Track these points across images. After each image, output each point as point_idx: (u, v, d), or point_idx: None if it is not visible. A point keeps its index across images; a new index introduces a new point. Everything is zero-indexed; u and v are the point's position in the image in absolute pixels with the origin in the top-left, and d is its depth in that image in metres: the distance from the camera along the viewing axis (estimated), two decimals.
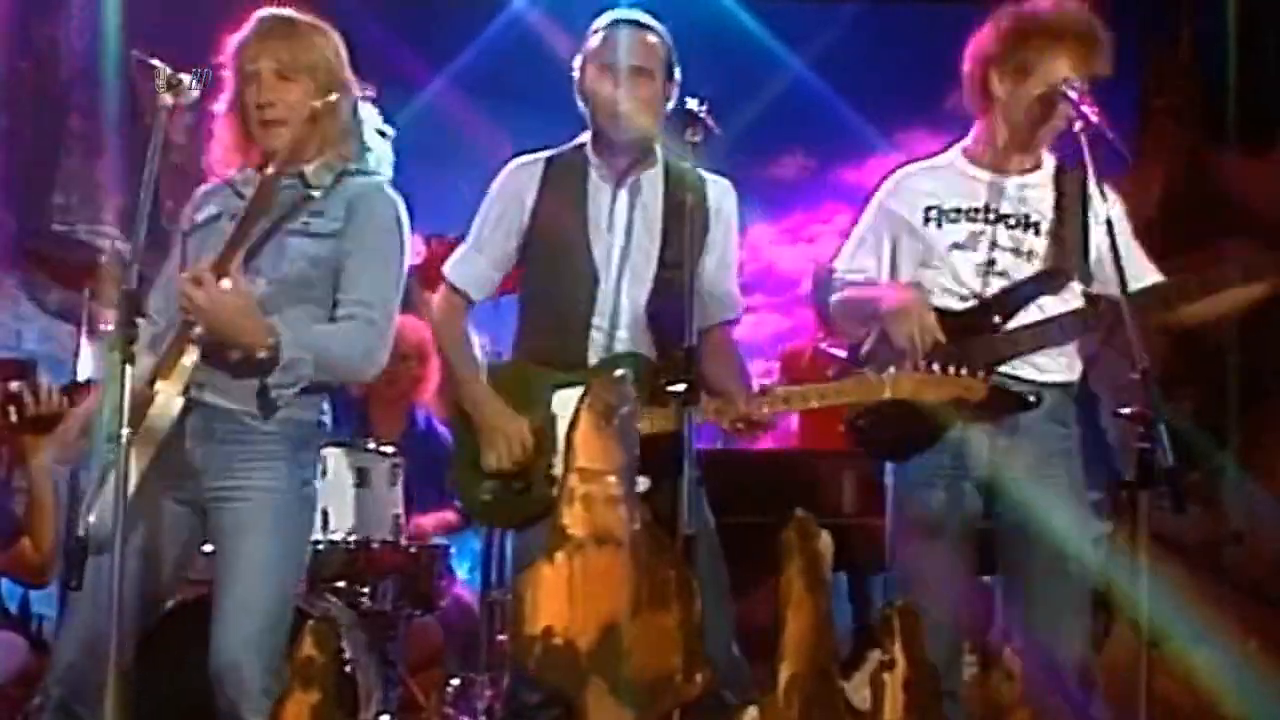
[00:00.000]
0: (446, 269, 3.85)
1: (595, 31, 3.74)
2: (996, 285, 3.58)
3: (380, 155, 3.52)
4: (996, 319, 3.56)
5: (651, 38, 3.71)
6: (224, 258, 3.18)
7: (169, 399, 3.21)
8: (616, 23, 3.72)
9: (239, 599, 3.24)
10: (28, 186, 6.97)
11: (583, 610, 2.89)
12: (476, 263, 3.81)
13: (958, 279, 3.60)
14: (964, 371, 3.40)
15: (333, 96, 3.34)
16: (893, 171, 3.78)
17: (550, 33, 7.11)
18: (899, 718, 2.92)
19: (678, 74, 3.73)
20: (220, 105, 3.45)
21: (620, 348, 3.66)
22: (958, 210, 3.63)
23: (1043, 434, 3.55)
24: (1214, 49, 6.47)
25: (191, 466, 3.29)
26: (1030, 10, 3.58)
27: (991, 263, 3.59)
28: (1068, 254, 3.57)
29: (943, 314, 3.52)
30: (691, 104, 3.44)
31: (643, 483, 3.22)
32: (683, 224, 3.52)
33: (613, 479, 2.94)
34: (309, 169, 3.35)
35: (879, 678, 2.94)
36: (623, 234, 3.70)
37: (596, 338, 3.67)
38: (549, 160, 3.79)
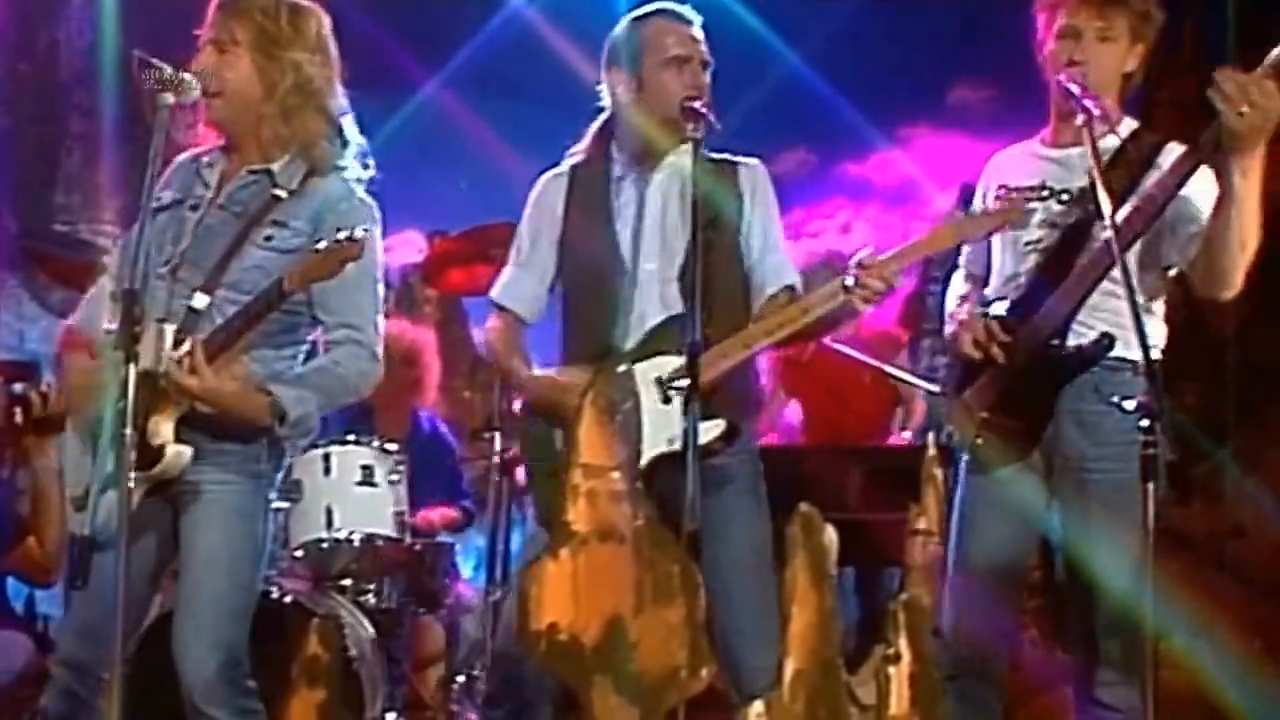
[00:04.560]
0: (494, 293, 3.83)
1: (643, 20, 3.71)
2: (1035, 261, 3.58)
3: (361, 149, 3.49)
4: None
5: (699, 29, 3.70)
6: (219, 349, 3.18)
7: (178, 450, 3.23)
8: (668, 14, 3.70)
9: (195, 594, 3.28)
10: (29, 187, 6.98)
11: (587, 606, 2.88)
12: (522, 281, 3.79)
13: (1005, 258, 3.62)
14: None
15: (288, 78, 3.34)
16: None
17: (549, 30, 7.12)
18: (904, 711, 2.92)
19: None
20: None
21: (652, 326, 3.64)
22: (1019, 188, 3.61)
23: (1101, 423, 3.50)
24: (1216, 43, 6.47)
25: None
26: None
27: (1039, 240, 3.58)
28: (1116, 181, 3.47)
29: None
30: (694, 100, 3.46)
31: (718, 425, 3.38)
32: (716, 205, 3.58)
33: (616, 474, 2.93)
34: (276, 166, 3.36)
35: (884, 671, 2.94)
36: (653, 221, 3.68)
37: (631, 324, 3.64)
38: (573, 168, 3.80)
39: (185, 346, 3.18)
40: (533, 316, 3.80)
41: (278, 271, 3.26)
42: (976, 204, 3.71)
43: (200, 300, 3.26)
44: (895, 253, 3.48)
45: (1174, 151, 3.48)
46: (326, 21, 3.48)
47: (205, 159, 3.44)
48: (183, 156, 3.50)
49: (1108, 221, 3.29)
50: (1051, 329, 3.51)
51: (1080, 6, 3.54)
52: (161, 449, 3.21)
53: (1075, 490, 3.50)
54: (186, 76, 3.26)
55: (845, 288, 3.44)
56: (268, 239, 3.32)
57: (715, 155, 3.69)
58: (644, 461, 3.18)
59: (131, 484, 3.00)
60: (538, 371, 3.75)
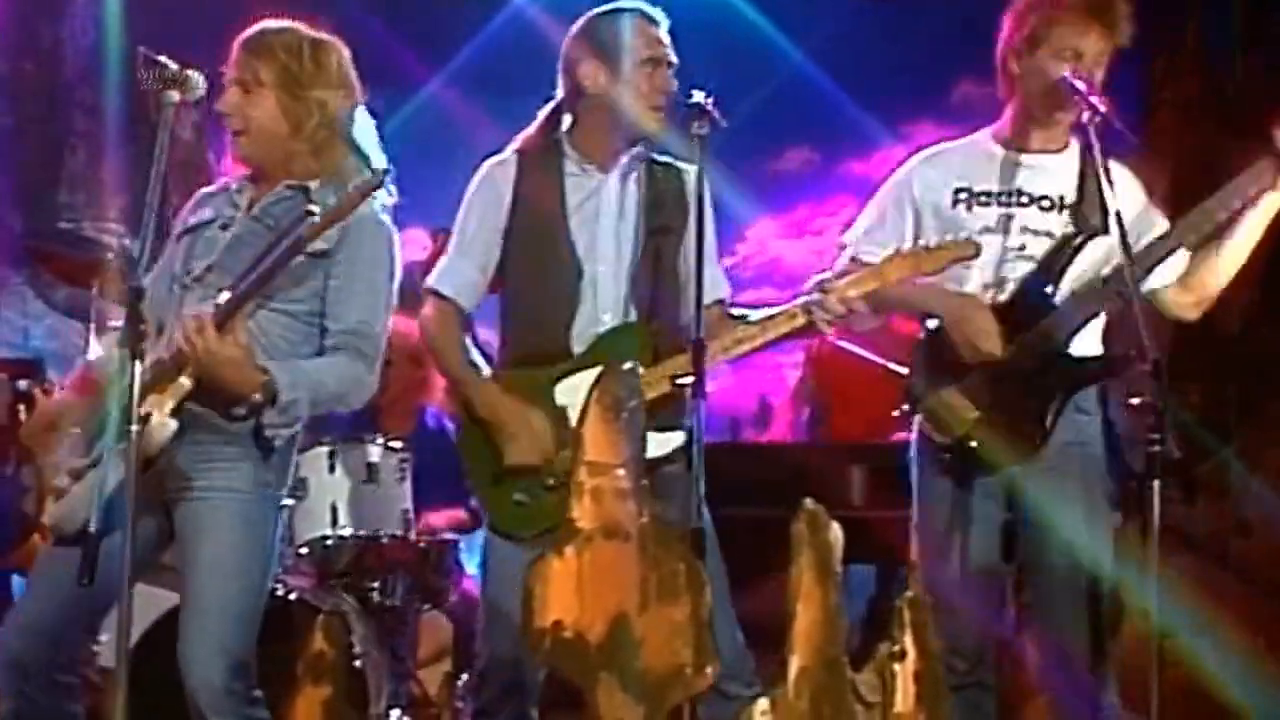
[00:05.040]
0: (431, 280, 3.77)
1: (611, 16, 3.69)
2: (1023, 269, 3.58)
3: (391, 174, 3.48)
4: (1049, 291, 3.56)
5: (665, 32, 3.69)
6: (229, 310, 3.17)
7: (162, 421, 3.19)
8: (651, 17, 3.69)
9: (201, 600, 3.25)
10: (33, 185, 6.98)
11: (592, 603, 2.89)
12: (462, 269, 3.73)
13: (985, 264, 3.60)
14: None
15: (314, 116, 3.36)
16: (917, 150, 3.78)
17: (551, 28, 7.11)
18: (909, 708, 2.92)
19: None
20: None
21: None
22: (988, 194, 3.64)
23: (1063, 424, 3.55)
24: (1221, 41, 6.47)
25: (156, 465, 3.25)
26: None
27: (1022, 247, 3.60)
28: (1089, 214, 3.57)
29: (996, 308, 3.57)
30: (697, 97, 3.42)
31: (674, 438, 3.35)
32: (665, 211, 3.57)
33: (621, 472, 2.94)
34: (314, 184, 3.37)
35: (888, 668, 2.94)
36: (609, 221, 3.65)
37: (583, 326, 3.61)
38: (520, 153, 3.74)
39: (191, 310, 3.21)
40: (471, 306, 3.75)
41: (309, 278, 3.30)
42: (943, 203, 3.67)
43: (225, 298, 3.23)
44: (852, 279, 3.47)
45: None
46: (347, 54, 3.50)
47: (235, 185, 3.46)
48: (212, 187, 3.54)
49: (1114, 227, 3.31)
50: (1064, 336, 3.51)
51: (1089, 30, 3.55)
52: (146, 419, 3.15)
53: (1050, 484, 3.52)
54: (190, 73, 3.27)
55: (805, 309, 3.44)
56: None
57: (662, 158, 3.68)
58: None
59: (133, 434, 3.00)
60: (484, 375, 3.70)
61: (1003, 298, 3.60)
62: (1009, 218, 3.59)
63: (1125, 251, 3.33)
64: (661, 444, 3.35)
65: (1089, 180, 3.58)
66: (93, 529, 3.02)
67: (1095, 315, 3.55)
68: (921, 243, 3.55)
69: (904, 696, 2.94)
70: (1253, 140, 3.57)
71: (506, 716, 3.60)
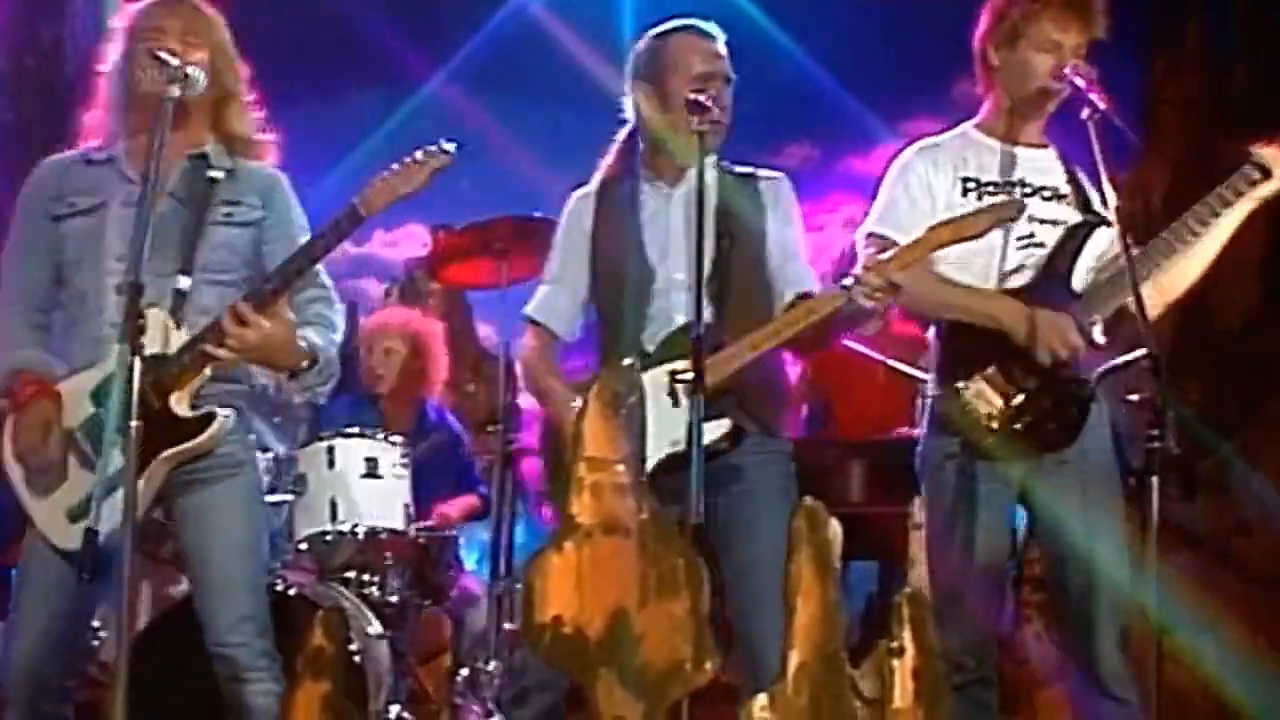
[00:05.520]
0: (528, 310, 3.86)
1: (666, 36, 3.73)
2: (1035, 257, 3.60)
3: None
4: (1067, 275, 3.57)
5: (723, 45, 3.74)
6: (267, 296, 3.30)
7: (222, 413, 3.35)
8: (707, 32, 3.73)
9: (226, 572, 3.38)
10: None
11: (592, 599, 2.89)
12: (556, 297, 3.83)
13: (996, 252, 3.62)
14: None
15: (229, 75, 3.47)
16: (913, 140, 3.79)
17: (553, 25, 7.13)
18: (908, 705, 2.92)
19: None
20: (107, 70, 3.50)
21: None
22: (995, 183, 3.66)
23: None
24: (1222, 39, 6.47)
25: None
26: None
27: (1031, 235, 3.61)
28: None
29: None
30: (698, 95, 3.46)
31: (722, 426, 3.46)
32: (736, 218, 3.66)
33: (620, 467, 2.94)
34: (209, 149, 3.47)
35: (887, 665, 2.94)
36: (679, 231, 3.71)
37: (656, 328, 3.67)
38: (602, 184, 3.84)
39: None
40: (567, 333, 3.83)
41: (245, 247, 3.44)
42: (954, 194, 3.68)
43: (184, 282, 3.34)
44: (895, 252, 3.48)
45: None
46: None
47: (104, 155, 3.48)
48: (62, 160, 3.55)
49: (1113, 218, 3.32)
50: (1092, 323, 3.51)
51: (1063, 18, 3.58)
52: (202, 420, 3.31)
53: (1068, 481, 3.52)
54: (191, 70, 3.28)
55: (844, 287, 3.45)
56: (227, 215, 3.44)
57: (739, 169, 3.77)
58: (651, 464, 3.19)
59: (133, 430, 3.01)
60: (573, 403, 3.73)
61: (1018, 283, 3.61)
62: (1021, 206, 3.60)
63: (1125, 248, 3.32)
64: (709, 431, 3.36)
65: (1074, 176, 3.64)
66: (93, 526, 3.04)
67: (1121, 301, 3.53)
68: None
69: (903, 693, 2.94)
70: (1252, 134, 3.57)
71: (538, 706, 3.61)
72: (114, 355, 3.19)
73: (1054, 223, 3.63)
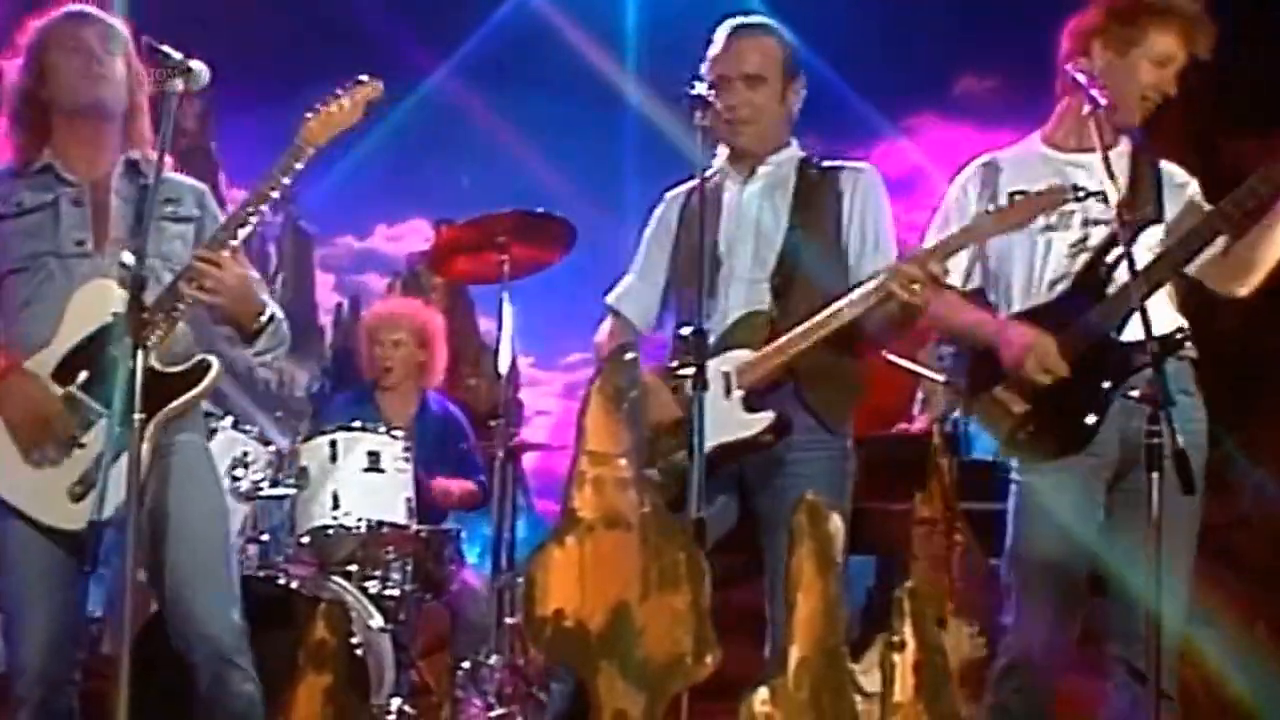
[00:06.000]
0: (611, 299, 3.93)
1: (721, 36, 3.81)
2: (1081, 261, 3.57)
3: None
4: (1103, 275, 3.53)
5: (767, 40, 3.80)
6: (221, 242, 3.33)
7: (215, 362, 3.38)
8: (733, 30, 3.80)
9: (203, 552, 3.36)
10: None
11: (593, 592, 2.90)
12: (638, 290, 3.91)
13: (1048, 259, 3.60)
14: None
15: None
16: (969, 160, 3.78)
17: (556, 19, 7.12)
18: (909, 699, 2.93)
19: (801, 74, 3.84)
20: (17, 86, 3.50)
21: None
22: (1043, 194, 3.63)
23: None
24: (1223, 34, 6.45)
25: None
26: None
27: (1084, 239, 3.58)
28: (1141, 205, 3.57)
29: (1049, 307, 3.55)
30: (700, 88, 3.47)
31: (764, 419, 3.49)
32: (811, 211, 3.69)
33: (623, 462, 2.95)
34: (139, 158, 3.51)
35: (888, 659, 2.95)
36: (747, 225, 3.75)
37: (720, 318, 3.69)
38: (703, 177, 3.81)
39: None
40: (644, 325, 3.90)
41: (192, 241, 3.48)
42: (968, 208, 3.67)
43: (128, 257, 3.30)
44: (934, 244, 3.50)
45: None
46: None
47: (29, 169, 3.47)
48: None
49: (1114, 212, 3.31)
50: (1110, 326, 3.49)
51: (1189, 41, 3.59)
52: (195, 371, 3.34)
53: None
54: (194, 64, 3.29)
55: (881, 281, 3.46)
56: (173, 211, 3.49)
57: (826, 163, 3.81)
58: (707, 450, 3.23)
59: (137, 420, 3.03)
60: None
61: (1054, 295, 3.60)
62: (1069, 213, 3.59)
63: (1126, 249, 3.31)
64: (748, 424, 3.46)
65: (1141, 168, 3.61)
66: (95, 517, 3.03)
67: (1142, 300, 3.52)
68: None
69: (903, 687, 2.94)
70: (1253, 133, 3.57)
71: (569, 689, 3.61)
72: (65, 333, 3.31)
73: (1107, 223, 3.55)
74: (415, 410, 5.41)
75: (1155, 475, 3.11)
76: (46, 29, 3.48)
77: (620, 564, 2.90)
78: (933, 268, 3.43)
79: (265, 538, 4.71)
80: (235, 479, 4.54)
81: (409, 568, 4.75)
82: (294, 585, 4.35)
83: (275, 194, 3.40)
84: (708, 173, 3.81)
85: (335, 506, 4.61)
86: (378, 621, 4.50)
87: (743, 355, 3.60)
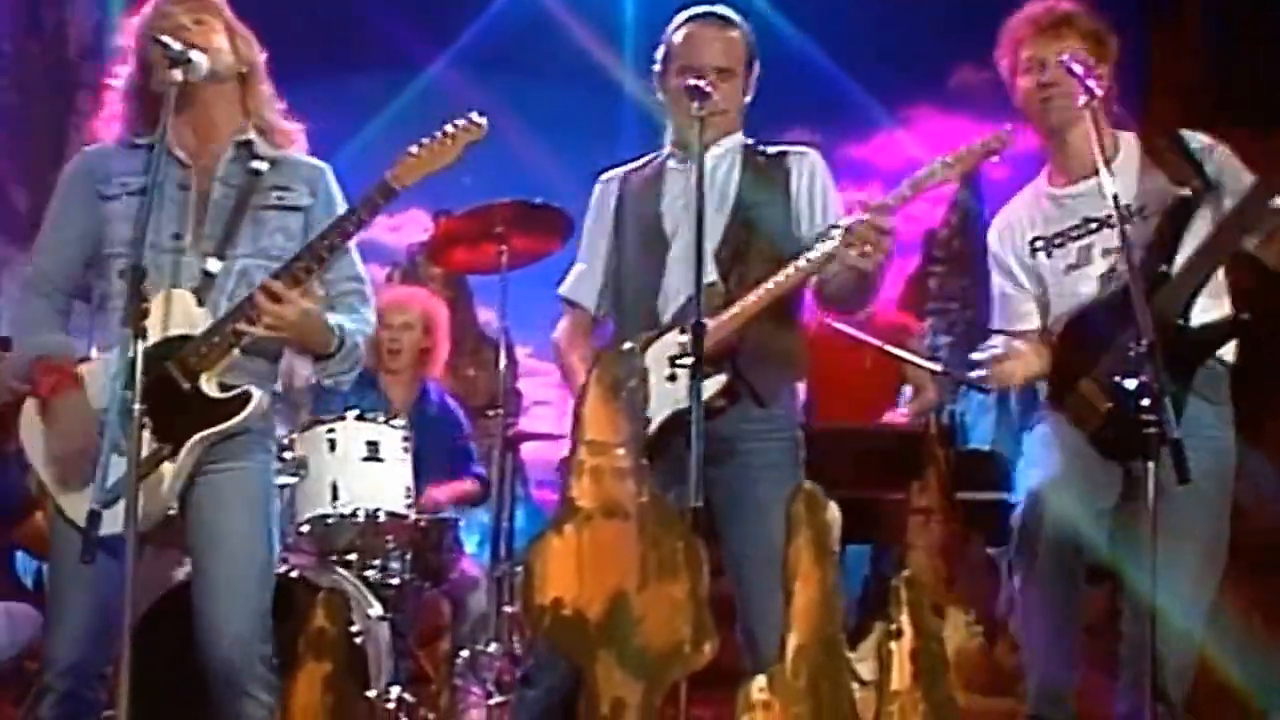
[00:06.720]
0: (564, 290, 3.94)
1: (677, 28, 3.79)
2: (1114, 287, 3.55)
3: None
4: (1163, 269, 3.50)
5: (733, 33, 3.77)
6: (299, 273, 3.30)
7: (258, 392, 3.35)
8: (699, 22, 3.78)
9: (232, 570, 3.32)
10: (39, 165, 6.99)
11: (591, 581, 2.91)
12: (587, 276, 3.91)
13: (1083, 297, 3.60)
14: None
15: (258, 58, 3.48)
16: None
17: (555, 10, 7.13)
18: (906, 687, 2.94)
19: (756, 64, 3.81)
20: (120, 80, 3.50)
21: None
22: (1060, 234, 3.65)
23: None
24: (1220, 27, 6.46)
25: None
26: (1025, 14, 3.66)
27: (1112, 269, 3.56)
28: (1186, 179, 3.53)
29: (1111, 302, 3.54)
30: (696, 79, 3.47)
31: (718, 381, 3.49)
32: (758, 194, 3.71)
33: (621, 451, 2.96)
34: (253, 136, 3.47)
35: (885, 647, 2.96)
36: (695, 206, 3.73)
37: (668, 298, 3.71)
38: (632, 167, 3.92)
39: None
40: (598, 309, 3.91)
41: (299, 232, 3.43)
42: (1024, 257, 3.71)
43: (214, 265, 3.33)
44: (880, 200, 3.48)
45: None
46: None
47: (142, 142, 3.42)
48: (107, 146, 3.51)
49: (1114, 212, 3.31)
50: (1178, 307, 3.47)
51: (1037, 36, 3.60)
52: (237, 401, 3.30)
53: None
54: (194, 53, 3.29)
55: (832, 238, 3.47)
56: (279, 198, 3.45)
57: (770, 149, 3.81)
58: (651, 429, 3.22)
59: (136, 413, 3.01)
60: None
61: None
62: (1088, 248, 3.59)
63: (1122, 236, 3.32)
64: (706, 387, 3.39)
65: (1162, 150, 3.59)
66: (95, 508, 3.04)
67: (1208, 278, 3.50)
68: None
69: (900, 675, 2.96)
70: (1252, 133, 3.57)
71: (546, 688, 3.62)
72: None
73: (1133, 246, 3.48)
74: (415, 399, 5.42)
75: (1152, 465, 3.13)
76: (139, 21, 3.45)
77: (618, 553, 2.91)
78: (882, 222, 3.42)
79: None
80: None
81: (408, 557, 4.76)
82: (294, 574, 4.37)
83: (354, 229, 3.37)
84: (652, 156, 3.87)
85: (334, 496, 4.61)
86: (377, 610, 4.51)
87: (681, 338, 3.53)
